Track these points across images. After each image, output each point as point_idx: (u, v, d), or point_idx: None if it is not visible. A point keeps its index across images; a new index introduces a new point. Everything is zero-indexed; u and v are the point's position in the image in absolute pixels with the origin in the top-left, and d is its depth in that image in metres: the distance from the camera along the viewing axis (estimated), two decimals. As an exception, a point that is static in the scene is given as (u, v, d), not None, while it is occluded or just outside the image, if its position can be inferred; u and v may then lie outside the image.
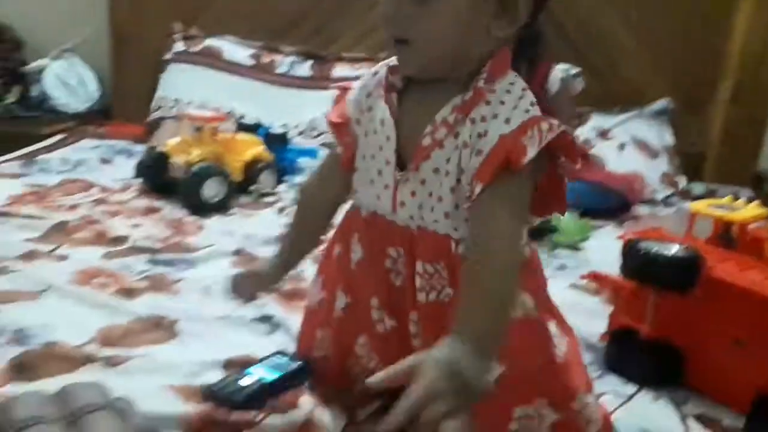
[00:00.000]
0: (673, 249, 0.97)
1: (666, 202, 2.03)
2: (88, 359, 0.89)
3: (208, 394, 0.82)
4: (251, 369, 0.86)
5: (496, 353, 0.63)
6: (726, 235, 1.14)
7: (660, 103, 2.29)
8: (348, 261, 0.80)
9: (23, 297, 1.06)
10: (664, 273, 0.95)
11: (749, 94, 2.24)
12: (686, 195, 2.07)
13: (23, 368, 0.86)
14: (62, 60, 2.47)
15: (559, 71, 1.89)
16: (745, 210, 1.12)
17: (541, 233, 1.60)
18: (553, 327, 0.74)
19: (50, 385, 0.81)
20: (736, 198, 2.05)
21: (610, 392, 0.94)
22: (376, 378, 0.59)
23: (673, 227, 1.21)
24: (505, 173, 0.65)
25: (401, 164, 0.73)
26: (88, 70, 2.50)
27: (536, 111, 0.69)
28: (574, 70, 1.92)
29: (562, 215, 0.77)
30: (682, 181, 2.12)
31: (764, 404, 0.87)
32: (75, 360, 0.89)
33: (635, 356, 1.00)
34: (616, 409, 0.91)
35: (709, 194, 2.10)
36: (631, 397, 0.94)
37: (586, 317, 1.15)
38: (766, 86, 2.23)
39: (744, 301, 0.91)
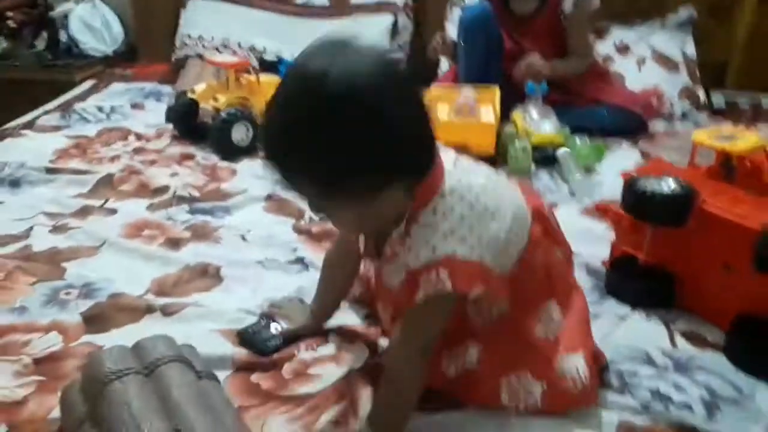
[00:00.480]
0: (669, 186, 1.04)
1: (685, 116, 2.05)
2: (148, 309, 1.03)
3: (243, 341, 0.96)
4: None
5: None
6: (727, 164, 1.20)
7: (683, 13, 2.25)
8: None
9: (84, 253, 1.20)
10: (658, 210, 1.02)
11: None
12: (705, 108, 2.08)
13: (95, 320, 1.01)
14: (85, 3, 2.52)
15: None
16: (744, 140, 1.17)
17: (555, 159, 1.66)
18: (551, 305, 0.86)
19: (120, 334, 0.97)
20: (756, 108, 2.08)
21: (608, 314, 1.05)
22: None
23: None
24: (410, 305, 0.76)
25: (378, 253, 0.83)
26: (111, 11, 2.56)
27: (444, 245, 0.73)
28: None
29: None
30: (702, 95, 2.12)
31: (743, 322, 0.97)
32: (137, 311, 1.03)
33: (633, 281, 1.10)
34: (613, 329, 1.02)
35: (729, 106, 2.12)
36: (626, 317, 1.05)
37: (594, 243, 1.24)
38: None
39: (732, 232, 0.99)
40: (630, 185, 1.07)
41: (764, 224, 0.94)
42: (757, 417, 0.85)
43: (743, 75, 2.25)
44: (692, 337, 1.01)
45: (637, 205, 1.05)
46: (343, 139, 0.65)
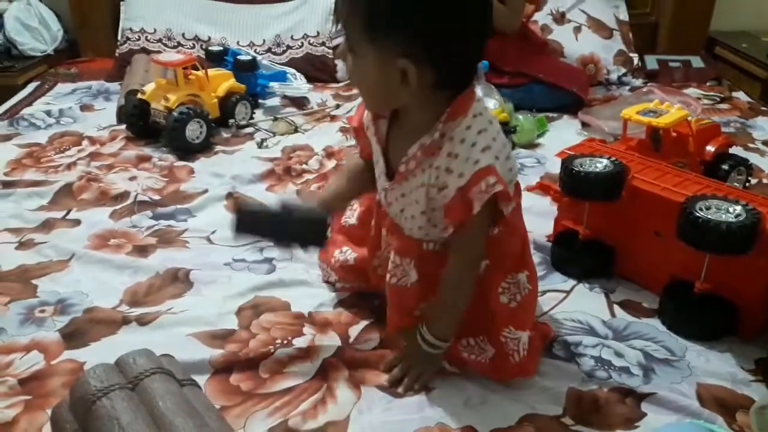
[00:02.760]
0: (601, 164, 1.13)
1: (621, 81, 2.15)
2: (124, 320, 1.07)
3: (240, 216, 0.94)
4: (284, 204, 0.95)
5: (451, 336, 0.93)
6: (655, 137, 1.30)
7: (614, -23, 2.33)
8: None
9: (54, 268, 1.23)
10: (593, 189, 1.11)
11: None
12: (639, 72, 2.18)
13: (73, 336, 1.04)
14: (19, 2, 2.46)
15: None
16: (668, 115, 1.27)
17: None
18: (522, 277, 0.95)
19: (99, 348, 1.01)
20: (687, 69, 2.19)
21: (554, 289, 1.15)
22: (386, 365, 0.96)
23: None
24: (466, 220, 0.84)
25: (391, 174, 0.91)
26: (47, 9, 2.50)
27: (486, 157, 0.81)
28: None
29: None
30: (636, 58, 2.22)
31: (675, 287, 1.07)
32: (114, 323, 1.07)
33: (575, 255, 1.19)
34: (559, 302, 1.11)
35: (662, 67, 2.22)
36: (570, 291, 1.15)
37: (540, 218, 1.32)
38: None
39: (660, 203, 1.08)
40: (565, 166, 1.15)
41: (686, 197, 1.04)
42: (688, 376, 0.96)
43: (673, 37, 2.35)
44: (629, 306, 1.11)
45: (573, 184, 1.14)
46: None
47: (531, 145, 1.74)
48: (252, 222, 0.95)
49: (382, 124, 0.93)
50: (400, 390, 0.92)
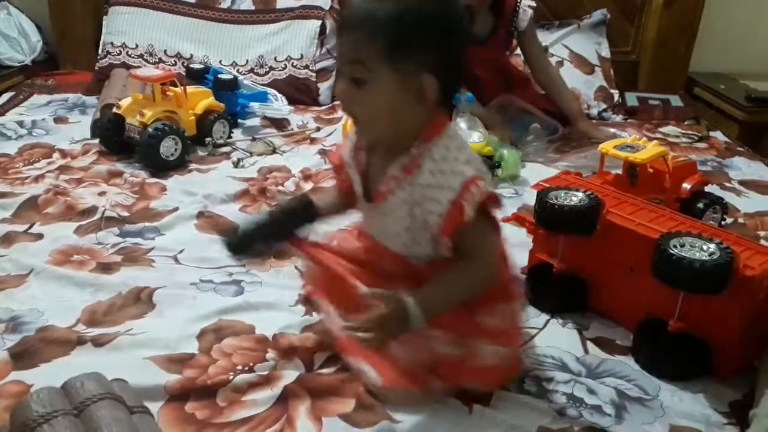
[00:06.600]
0: (576, 198, 1.11)
1: (601, 116, 2.16)
2: (79, 341, 1.02)
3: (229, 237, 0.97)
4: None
5: (432, 318, 0.88)
6: (632, 172, 1.30)
7: (597, 14, 2.36)
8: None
9: (10, 283, 1.18)
10: (568, 222, 1.10)
11: (681, -1, 2.32)
12: (619, 108, 2.20)
13: (23, 356, 0.99)
14: (-1, 11, 2.43)
15: (528, 8, 1.96)
16: (645, 150, 1.27)
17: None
18: (513, 306, 0.96)
19: (49, 369, 0.96)
20: (666, 107, 2.21)
21: (528, 323, 1.12)
22: (365, 291, 0.91)
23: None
24: (461, 227, 0.85)
25: (369, 197, 0.95)
26: (28, 19, 2.47)
27: (469, 169, 0.85)
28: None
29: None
30: (616, 95, 2.24)
31: (648, 324, 1.05)
32: (68, 343, 1.02)
33: (549, 288, 1.17)
34: (532, 337, 1.09)
35: (642, 104, 2.24)
36: (543, 326, 1.12)
37: (516, 250, 1.29)
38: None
39: (635, 240, 1.07)
40: (541, 198, 1.14)
41: (661, 233, 1.02)
42: (661, 416, 0.93)
43: (653, 75, 2.38)
44: (603, 343, 1.09)
45: (548, 217, 1.12)
46: (431, 15, 0.82)
47: (512, 178, 1.73)
48: (242, 238, 0.98)
49: (361, 154, 0.97)
50: (359, 336, 0.87)
